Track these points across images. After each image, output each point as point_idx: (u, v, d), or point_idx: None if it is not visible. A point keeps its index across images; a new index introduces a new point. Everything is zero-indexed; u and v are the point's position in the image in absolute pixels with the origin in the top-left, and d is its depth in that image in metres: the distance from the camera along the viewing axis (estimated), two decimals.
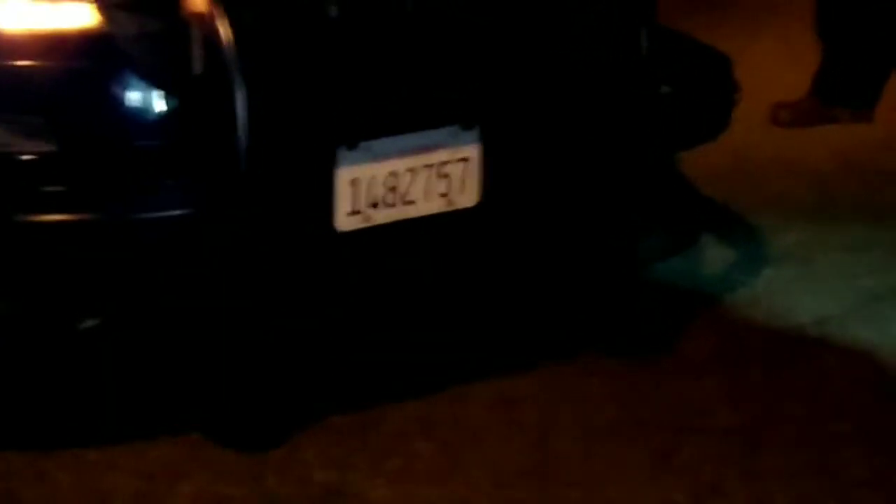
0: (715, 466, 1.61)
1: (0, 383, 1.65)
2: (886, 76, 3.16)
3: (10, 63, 1.47)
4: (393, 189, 1.59)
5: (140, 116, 1.50)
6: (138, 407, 1.72)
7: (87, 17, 1.48)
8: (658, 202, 2.00)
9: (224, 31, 1.40)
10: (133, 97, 1.49)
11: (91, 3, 1.46)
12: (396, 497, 1.55)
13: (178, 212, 1.50)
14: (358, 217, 1.57)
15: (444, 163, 1.62)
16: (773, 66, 3.43)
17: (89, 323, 1.51)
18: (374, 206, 1.58)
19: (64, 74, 1.49)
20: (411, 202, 1.61)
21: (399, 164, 1.58)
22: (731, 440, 1.69)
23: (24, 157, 1.46)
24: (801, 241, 2.47)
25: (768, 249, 2.45)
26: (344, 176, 1.54)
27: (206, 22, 1.42)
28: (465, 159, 1.63)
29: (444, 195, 1.63)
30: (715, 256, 2.42)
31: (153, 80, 1.47)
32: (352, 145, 1.54)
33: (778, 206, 2.64)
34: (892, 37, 3.13)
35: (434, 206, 1.63)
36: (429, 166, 1.60)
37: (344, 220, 1.56)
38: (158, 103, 1.49)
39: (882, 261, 2.37)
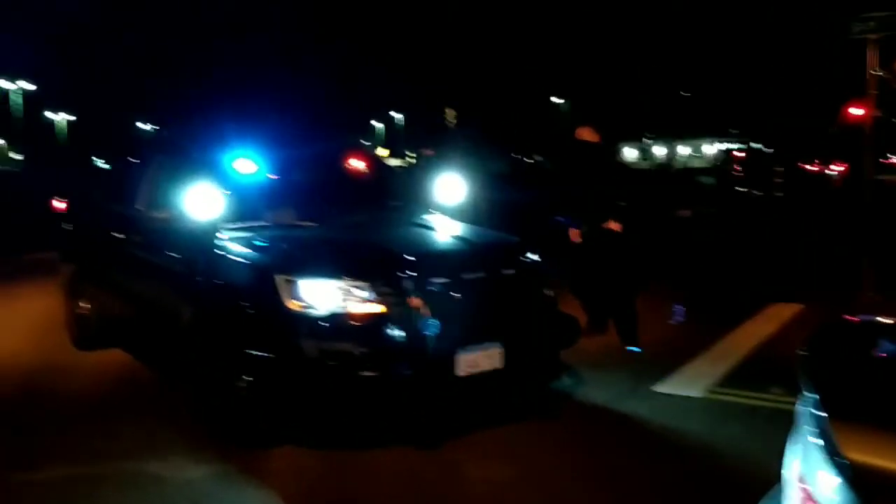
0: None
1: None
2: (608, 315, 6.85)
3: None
4: (475, 362, 4.56)
5: (392, 338, 4.40)
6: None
7: (376, 308, 4.44)
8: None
9: (420, 308, 4.43)
10: (394, 330, 4.41)
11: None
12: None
13: (408, 372, 4.38)
14: (465, 371, 4.52)
15: (490, 354, 4.62)
16: None
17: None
18: (469, 367, 4.54)
19: (374, 323, 4.40)
20: (479, 366, 4.59)
21: (479, 354, 4.57)
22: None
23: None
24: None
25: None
26: (461, 357, 4.51)
27: (416, 306, 4.44)
28: (497, 352, 4.64)
29: (491, 363, 4.62)
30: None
31: (404, 322, 4.41)
32: (463, 348, 4.53)
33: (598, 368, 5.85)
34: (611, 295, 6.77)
35: (488, 367, 4.61)
36: (487, 355, 4.60)
37: (461, 372, 4.50)
38: (402, 333, 4.41)
39: None
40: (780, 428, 4.74)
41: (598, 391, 5.61)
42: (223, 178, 5.30)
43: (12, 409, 5.43)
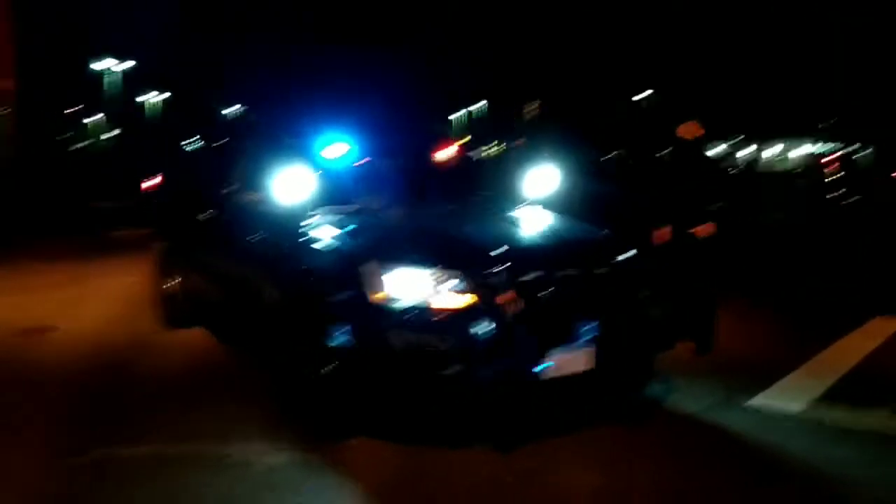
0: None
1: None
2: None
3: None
4: (565, 363, 4.36)
5: (480, 333, 4.23)
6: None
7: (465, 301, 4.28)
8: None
9: (510, 303, 4.26)
10: (482, 325, 4.24)
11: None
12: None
13: (495, 370, 4.21)
14: (555, 372, 4.32)
15: (581, 355, 4.41)
16: None
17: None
18: (559, 368, 4.33)
19: (462, 316, 4.24)
20: (570, 368, 4.38)
21: (569, 354, 4.37)
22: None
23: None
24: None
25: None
26: (551, 356, 4.31)
27: (506, 302, 4.27)
28: (588, 353, 4.43)
29: (582, 365, 4.41)
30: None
31: (494, 318, 4.24)
32: (553, 348, 4.33)
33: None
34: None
35: (578, 369, 4.41)
36: (578, 356, 4.39)
37: (550, 372, 4.31)
38: (491, 329, 4.24)
39: None
40: (889, 453, 4.50)
41: (690, 400, 5.34)
42: (312, 162, 5.23)
43: (98, 386, 5.50)
